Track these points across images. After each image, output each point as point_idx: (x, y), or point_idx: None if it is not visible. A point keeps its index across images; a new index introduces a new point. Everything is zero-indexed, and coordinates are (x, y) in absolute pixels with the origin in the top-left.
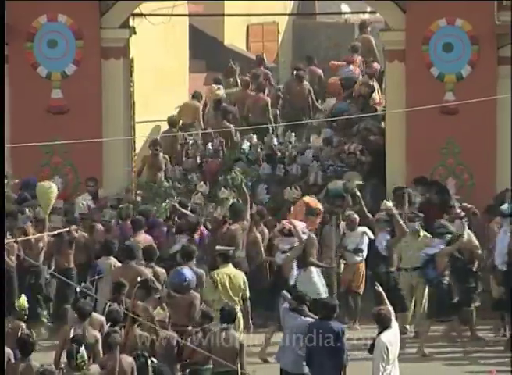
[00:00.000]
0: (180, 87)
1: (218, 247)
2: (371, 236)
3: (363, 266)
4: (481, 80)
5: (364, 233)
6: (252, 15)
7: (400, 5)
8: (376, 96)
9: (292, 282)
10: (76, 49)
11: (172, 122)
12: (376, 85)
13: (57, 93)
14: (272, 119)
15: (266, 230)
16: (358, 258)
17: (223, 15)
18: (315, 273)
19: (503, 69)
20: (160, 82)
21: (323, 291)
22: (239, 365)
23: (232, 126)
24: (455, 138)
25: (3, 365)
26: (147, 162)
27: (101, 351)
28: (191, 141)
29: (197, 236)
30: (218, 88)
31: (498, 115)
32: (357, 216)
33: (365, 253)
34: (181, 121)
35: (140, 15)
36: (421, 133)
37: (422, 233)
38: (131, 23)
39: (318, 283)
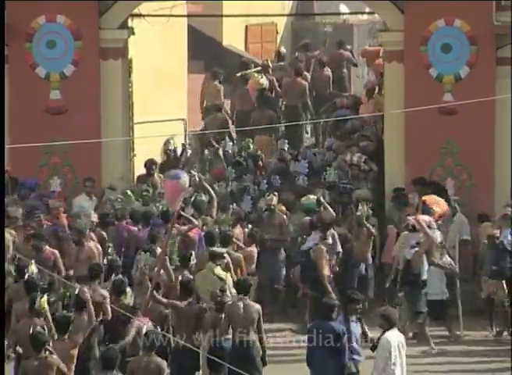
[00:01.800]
0: (179, 88)
1: (212, 248)
2: (328, 241)
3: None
4: (479, 81)
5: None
6: (251, 15)
7: (399, 5)
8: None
9: (424, 277)
10: (74, 50)
11: (216, 107)
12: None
13: (55, 94)
14: (310, 104)
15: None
16: None
17: (222, 15)
18: (440, 272)
19: (501, 69)
20: (159, 82)
21: (446, 291)
22: (257, 333)
23: (274, 112)
24: (454, 139)
25: (3, 365)
26: (142, 181)
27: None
28: (178, 148)
29: (195, 235)
30: (262, 77)
31: (497, 115)
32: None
33: None
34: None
35: (139, 15)
36: (420, 134)
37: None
38: (130, 23)
39: (442, 283)
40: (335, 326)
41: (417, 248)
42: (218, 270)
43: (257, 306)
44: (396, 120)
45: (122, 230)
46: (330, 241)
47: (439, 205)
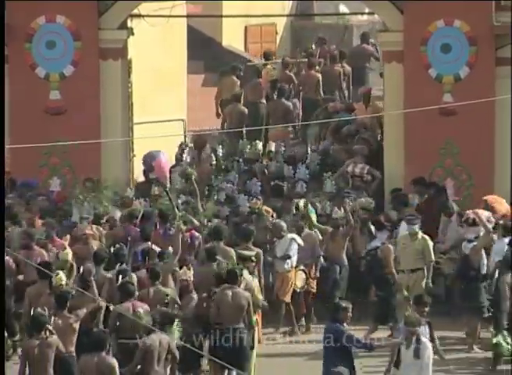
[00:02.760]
0: (178, 88)
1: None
2: (300, 242)
3: (292, 274)
4: (479, 81)
5: (293, 239)
6: (250, 16)
7: (398, 5)
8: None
9: (483, 271)
10: (74, 50)
11: (236, 98)
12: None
13: (55, 94)
14: (323, 95)
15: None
16: (286, 266)
17: (221, 16)
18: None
19: (501, 69)
20: (158, 83)
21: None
22: (246, 320)
23: (290, 103)
24: (453, 139)
25: (3, 365)
26: (142, 188)
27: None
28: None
29: (187, 234)
30: (274, 68)
31: (496, 115)
32: (283, 224)
33: (294, 259)
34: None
35: (139, 16)
36: (420, 135)
37: (420, 235)
38: (129, 24)
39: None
40: (332, 327)
41: (475, 243)
42: (246, 274)
43: (247, 294)
44: (396, 121)
45: (130, 231)
46: (295, 246)
47: (501, 204)
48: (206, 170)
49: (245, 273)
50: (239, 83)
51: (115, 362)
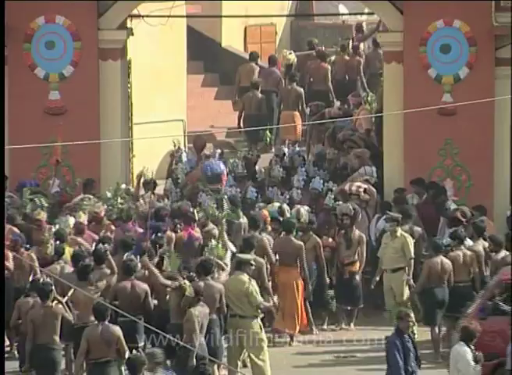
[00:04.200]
0: (178, 89)
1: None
2: (233, 249)
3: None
4: (478, 82)
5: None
6: (250, 16)
7: (398, 6)
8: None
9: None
10: (73, 50)
11: (255, 85)
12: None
13: (54, 94)
14: (331, 88)
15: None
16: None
17: (221, 16)
18: None
19: (500, 70)
20: (157, 83)
21: None
22: (218, 311)
23: (302, 89)
24: (453, 139)
25: (3, 365)
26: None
27: None
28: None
29: (186, 235)
30: (290, 53)
31: (496, 116)
32: (215, 231)
33: (227, 267)
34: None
35: (138, 16)
36: (419, 135)
37: (399, 232)
38: (129, 24)
39: None
40: (390, 338)
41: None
42: (245, 277)
43: (220, 286)
44: (396, 121)
45: (130, 231)
46: (234, 248)
47: None
48: (197, 175)
49: (245, 276)
50: (258, 69)
51: (119, 329)
